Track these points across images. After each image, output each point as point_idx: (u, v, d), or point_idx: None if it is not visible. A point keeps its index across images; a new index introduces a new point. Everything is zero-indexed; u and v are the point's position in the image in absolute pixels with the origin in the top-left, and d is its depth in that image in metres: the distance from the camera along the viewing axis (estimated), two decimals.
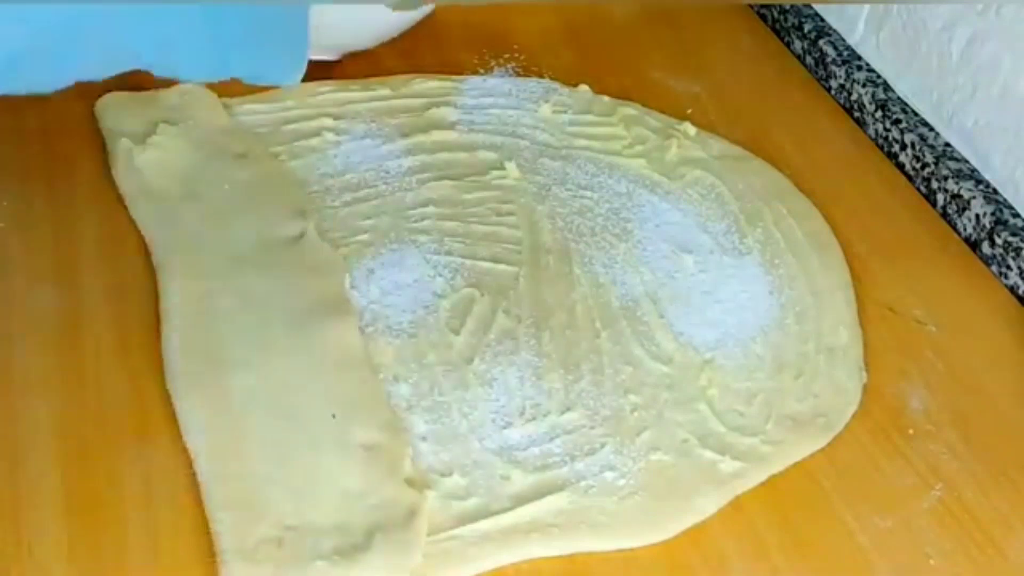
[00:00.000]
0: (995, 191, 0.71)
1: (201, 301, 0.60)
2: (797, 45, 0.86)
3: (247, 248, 0.64)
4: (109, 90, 0.73)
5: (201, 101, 0.73)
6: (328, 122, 0.74)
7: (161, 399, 0.56)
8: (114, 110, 0.72)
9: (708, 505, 0.54)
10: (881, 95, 0.78)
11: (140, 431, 0.55)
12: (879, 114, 0.78)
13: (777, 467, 0.56)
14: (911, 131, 0.75)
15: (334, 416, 0.55)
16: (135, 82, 0.74)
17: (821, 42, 0.83)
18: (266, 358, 0.58)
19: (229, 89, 0.74)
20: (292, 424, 0.55)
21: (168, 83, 0.74)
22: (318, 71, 0.79)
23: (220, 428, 0.54)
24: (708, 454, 0.56)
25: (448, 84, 0.78)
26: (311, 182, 0.69)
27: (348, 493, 0.52)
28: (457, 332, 0.61)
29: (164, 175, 0.68)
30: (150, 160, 0.68)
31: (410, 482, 0.53)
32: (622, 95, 0.79)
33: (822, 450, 0.57)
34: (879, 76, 0.80)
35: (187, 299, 0.60)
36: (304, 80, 0.77)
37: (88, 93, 0.73)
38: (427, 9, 0.79)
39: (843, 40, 0.83)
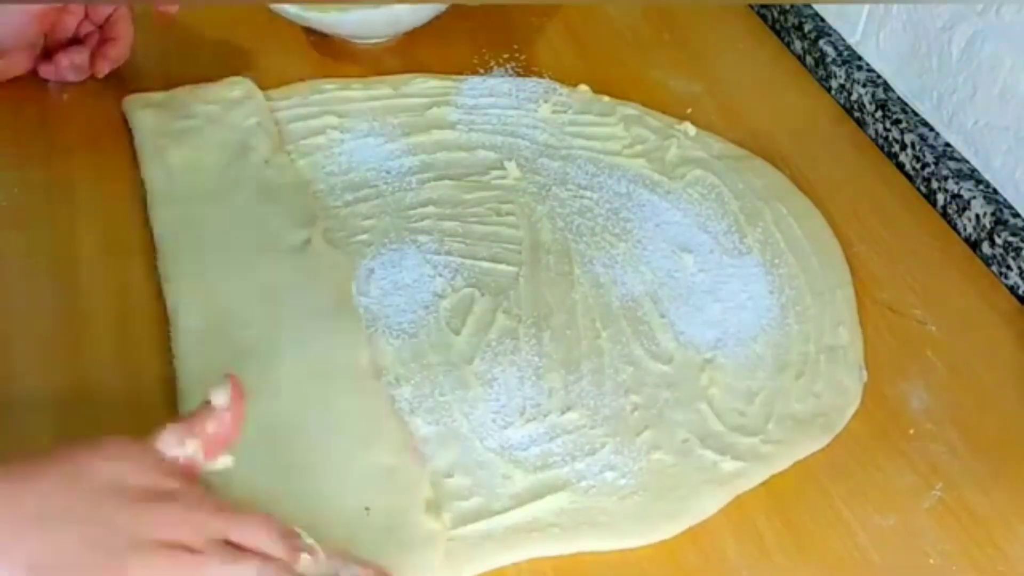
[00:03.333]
0: (995, 191, 0.71)
1: (207, 304, 0.60)
2: (797, 45, 0.86)
3: (254, 253, 0.63)
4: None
5: (240, 98, 0.73)
6: (333, 120, 0.74)
7: (162, 401, 0.56)
8: (143, 107, 0.72)
9: (708, 505, 0.54)
10: (881, 95, 0.78)
11: (140, 432, 0.55)
12: (879, 114, 0.78)
13: (778, 467, 0.56)
14: (911, 131, 0.75)
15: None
16: (159, 78, 0.74)
17: (821, 42, 0.83)
18: (274, 368, 0.57)
19: None
20: (302, 440, 0.54)
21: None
22: (318, 69, 0.79)
23: None
24: (709, 454, 0.56)
25: (448, 84, 0.78)
26: (317, 180, 0.70)
27: (360, 514, 0.51)
28: (457, 332, 0.61)
29: (193, 175, 0.68)
30: (181, 159, 0.68)
31: (428, 505, 0.52)
32: (622, 95, 0.79)
33: (822, 450, 0.57)
34: (879, 76, 0.80)
35: (192, 301, 0.60)
36: (304, 78, 0.77)
37: (89, 89, 0.73)
38: None
39: (843, 40, 0.83)
